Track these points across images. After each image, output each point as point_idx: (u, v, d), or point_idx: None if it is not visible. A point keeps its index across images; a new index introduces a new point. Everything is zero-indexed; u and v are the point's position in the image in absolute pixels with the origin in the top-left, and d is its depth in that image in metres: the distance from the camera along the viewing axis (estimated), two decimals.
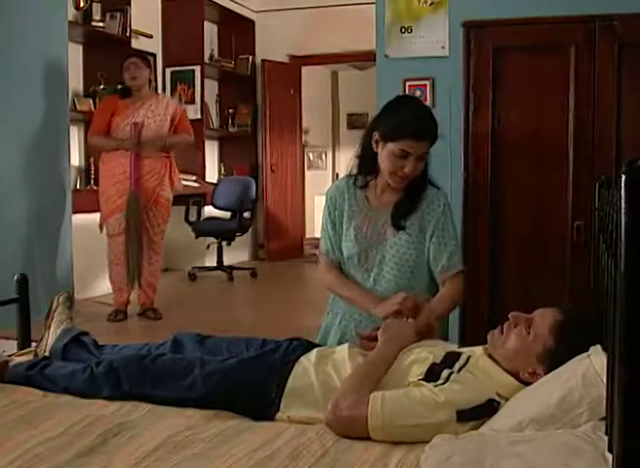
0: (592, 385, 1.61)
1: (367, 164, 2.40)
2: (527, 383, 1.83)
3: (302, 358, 2.04)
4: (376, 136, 2.33)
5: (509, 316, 1.94)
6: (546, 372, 1.81)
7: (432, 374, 1.81)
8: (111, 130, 4.89)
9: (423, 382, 1.79)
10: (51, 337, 2.42)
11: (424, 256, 2.39)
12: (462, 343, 2.09)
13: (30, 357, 2.40)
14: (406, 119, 2.28)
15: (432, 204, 2.40)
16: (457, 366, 1.84)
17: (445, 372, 1.80)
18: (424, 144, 2.29)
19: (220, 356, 2.16)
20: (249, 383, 1.99)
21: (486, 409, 1.74)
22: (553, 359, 1.80)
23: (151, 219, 4.94)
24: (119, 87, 5.13)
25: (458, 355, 1.90)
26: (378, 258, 2.39)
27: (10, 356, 2.43)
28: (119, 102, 4.93)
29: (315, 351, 2.08)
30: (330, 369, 1.98)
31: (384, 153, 2.31)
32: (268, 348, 2.13)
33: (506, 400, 1.79)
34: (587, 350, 1.71)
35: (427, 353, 1.93)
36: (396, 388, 1.84)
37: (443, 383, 1.77)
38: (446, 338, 2.63)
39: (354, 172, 2.47)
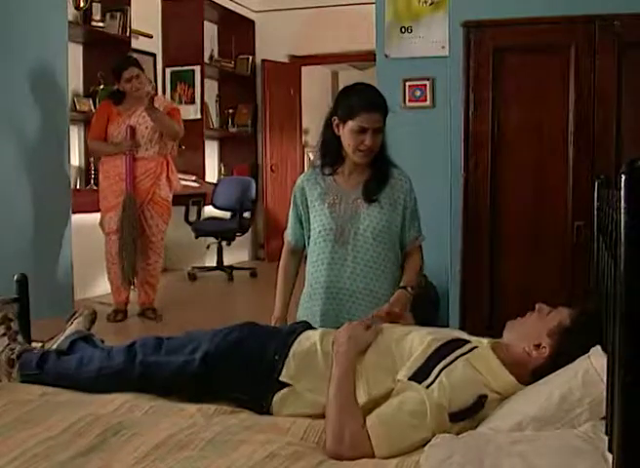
0: (592, 385, 1.61)
1: (331, 153, 2.61)
2: (527, 384, 1.81)
3: (308, 330, 2.10)
4: (335, 120, 2.54)
5: (536, 305, 1.95)
6: (552, 350, 1.81)
7: (423, 372, 1.78)
8: (107, 137, 4.90)
9: (413, 384, 1.76)
10: (62, 339, 2.44)
11: (395, 228, 2.58)
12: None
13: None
14: (356, 97, 2.52)
15: (400, 181, 2.60)
16: (455, 354, 1.81)
17: (437, 368, 1.77)
18: (377, 117, 2.48)
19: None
20: (253, 342, 2.05)
21: (475, 409, 1.73)
22: (564, 336, 1.81)
23: (149, 220, 4.93)
24: (114, 89, 5.12)
25: (463, 343, 1.88)
26: (353, 231, 2.56)
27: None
28: (113, 109, 4.92)
29: (320, 329, 2.14)
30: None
31: (346, 132, 2.51)
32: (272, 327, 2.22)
33: (499, 395, 1.78)
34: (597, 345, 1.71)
35: (430, 337, 1.91)
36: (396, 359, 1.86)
37: (433, 381, 1.74)
38: None
39: (318, 163, 2.67)
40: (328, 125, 2.58)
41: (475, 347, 1.87)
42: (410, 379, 1.78)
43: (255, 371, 1.99)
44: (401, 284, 2.53)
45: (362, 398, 1.80)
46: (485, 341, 1.95)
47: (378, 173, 2.58)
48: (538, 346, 1.84)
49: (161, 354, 2.11)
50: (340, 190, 2.59)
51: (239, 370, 2.01)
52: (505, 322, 1.98)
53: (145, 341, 2.17)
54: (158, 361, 2.08)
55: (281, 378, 1.96)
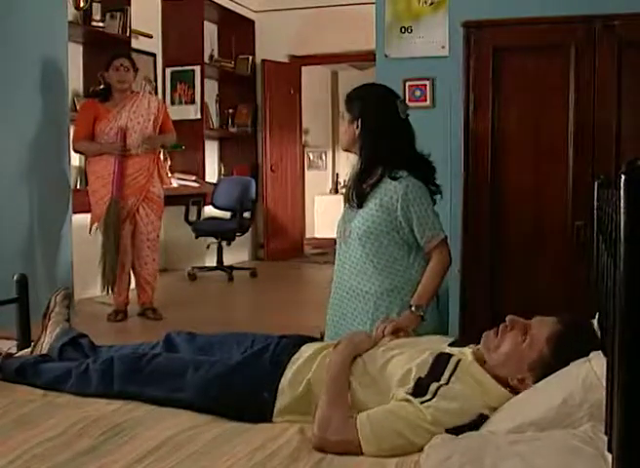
0: (593, 389, 1.60)
1: None
2: (516, 392, 1.80)
3: (293, 358, 2.03)
4: None
5: (507, 319, 1.91)
6: (535, 382, 1.79)
7: (419, 389, 1.76)
8: (95, 136, 4.88)
9: (410, 397, 1.74)
10: (47, 339, 2.42)
11: (388, 229, 2.52)
12: (462, 343, 2.07)
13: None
14: None
15: (394, 181, 2.52)
16: (446, 373, 1.79)
17: (433, 386, 1.75)
18: (344, 108, 2.63)
19: (212, 356, 2.16)
20: (238, 389, 1.97)
21: (474, 426, 1.71)
22: (545, 369, 1.78)
23: (144, 217, 4.93)
24: (100, 87, 5.14)
25: (447, 358, 1.86)
26: (348, 231, 2.60)
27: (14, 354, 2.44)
28: (100, 107, 4.91)
29: (304, 348, 2.07)
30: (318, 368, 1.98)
31: None
32: (256, 349, 2.11)
33: (494, 409, 1.76)
34: (586, 354, 1.70)
35: (412, 359, 1.88)
36: (382, 389, 1.84)
37: (431, 398, 1.73)
38: (446, 333, 2.65)
39: None
40: None
41: (459, 360, 1.85)
42: (406, 394, 1.76)
43: (244, 413, 1.93)
44: (410, 302, 2.47)
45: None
46: (467, 352, 1.93)
47: (361, 173, 2.59)
48: (521, 381, 1.82)
49: (141, 381, 2.06)
50: None
51: (229, 413, 1.95)
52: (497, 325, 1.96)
53: (123, 362, 2.11)
54: (138, 392, 2.04)
55: (274, 420, 1.92)
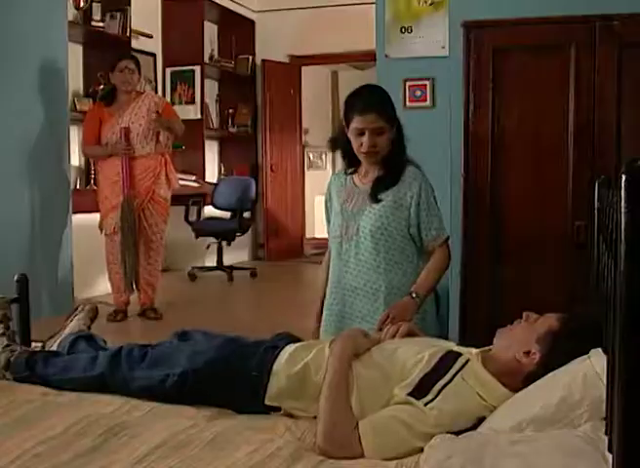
0: (593, 386, 1.60)
1: (347, 154, 2.63)
2: (517, 390, 1.81)
3: (287, 346, 2.06)
4: (343, 124, 2.56)
5: (523, 313, 1.94)
6: (542, 355, 1.80)
7: (422, 388, 1.76)
8: (101, 139, 4.90)
9: (412, 400, 1.74)
10: (62, 337, 2.45)
11: (401, 226, 2.54)
12: (462, 343, 2.08)
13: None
14: (351, 99, 2.54)
15: (409, 178, 2.56)
16: (452, 371, 1.80)
17: (437, 386, 1.76)
18: (372, 117, 2.47)
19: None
20: (230, 362, 2.02)
21: (473, 429, 1.72)
22: (553, 341, 1.80)
23: (148, 219, 4.94)
24: (102, 88, 5.12)
25: (455, 356, 1.86)
26: (355, 228, 2.57)
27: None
28: (105, 110, 4.93)
29: (302, 342, 2.11)
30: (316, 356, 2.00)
31: (349, 135, 2.53)
32: (252, 341, 2.16)
33: (495, 408, 1.77)
34: (587, 352, 1.70)
35: (422, 355, 1.89)
36: (388, 372, 1.85)
37: (433, 398, 1.73)
38: (445, 338, 2.65)
39: (345, 167, 2.71)
40: (342, 127, 2.60)
41: (468, 360, 1.86)
42: (408, 395, 1.76)
43: (236, 392, 1.98)
44: (411, 288, 2.50)
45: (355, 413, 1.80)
46: (474, 352, 1.93)
47: (385, 173, 2.58)
48: (527, 353, 1.83)
49: (143, 367, 2.10)
50: (354, 189, 2.63)
51: (219, 390, 2.00)
52: (504, 323, 1.98)
53: (131, 351, 2.16)
54: (139, 375, 2.08)
55: (267, 403, 1.95)
